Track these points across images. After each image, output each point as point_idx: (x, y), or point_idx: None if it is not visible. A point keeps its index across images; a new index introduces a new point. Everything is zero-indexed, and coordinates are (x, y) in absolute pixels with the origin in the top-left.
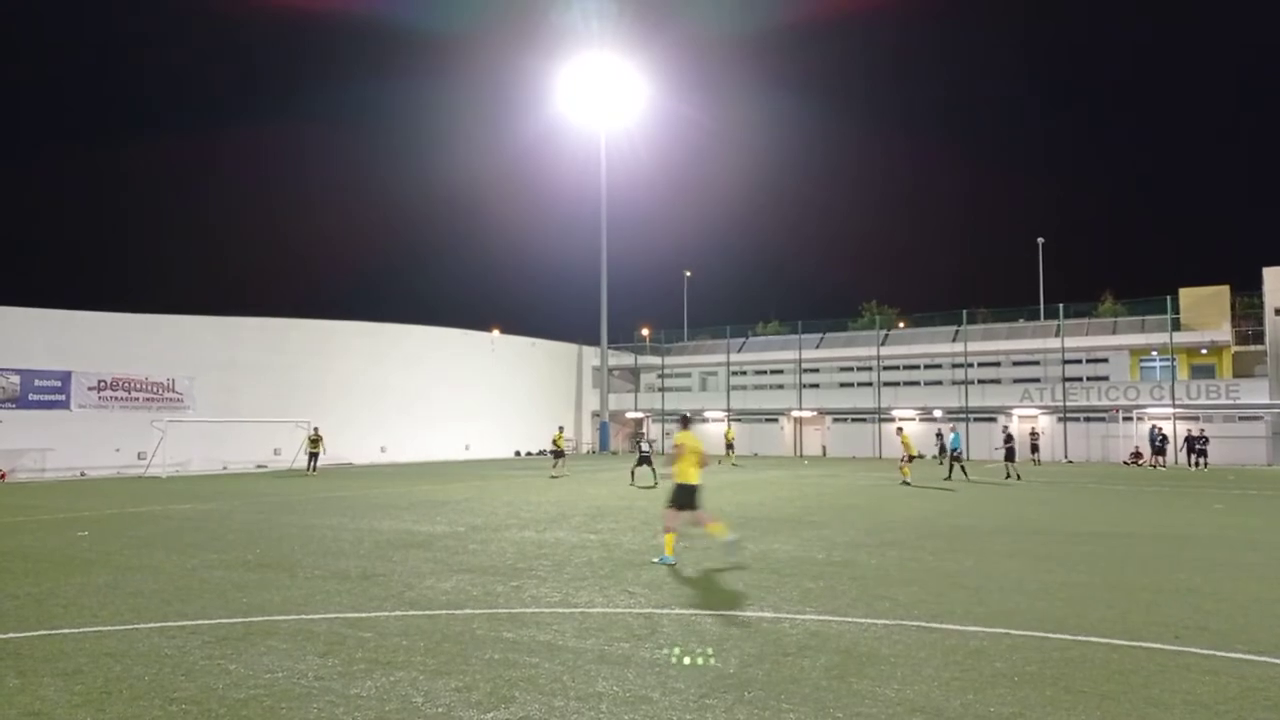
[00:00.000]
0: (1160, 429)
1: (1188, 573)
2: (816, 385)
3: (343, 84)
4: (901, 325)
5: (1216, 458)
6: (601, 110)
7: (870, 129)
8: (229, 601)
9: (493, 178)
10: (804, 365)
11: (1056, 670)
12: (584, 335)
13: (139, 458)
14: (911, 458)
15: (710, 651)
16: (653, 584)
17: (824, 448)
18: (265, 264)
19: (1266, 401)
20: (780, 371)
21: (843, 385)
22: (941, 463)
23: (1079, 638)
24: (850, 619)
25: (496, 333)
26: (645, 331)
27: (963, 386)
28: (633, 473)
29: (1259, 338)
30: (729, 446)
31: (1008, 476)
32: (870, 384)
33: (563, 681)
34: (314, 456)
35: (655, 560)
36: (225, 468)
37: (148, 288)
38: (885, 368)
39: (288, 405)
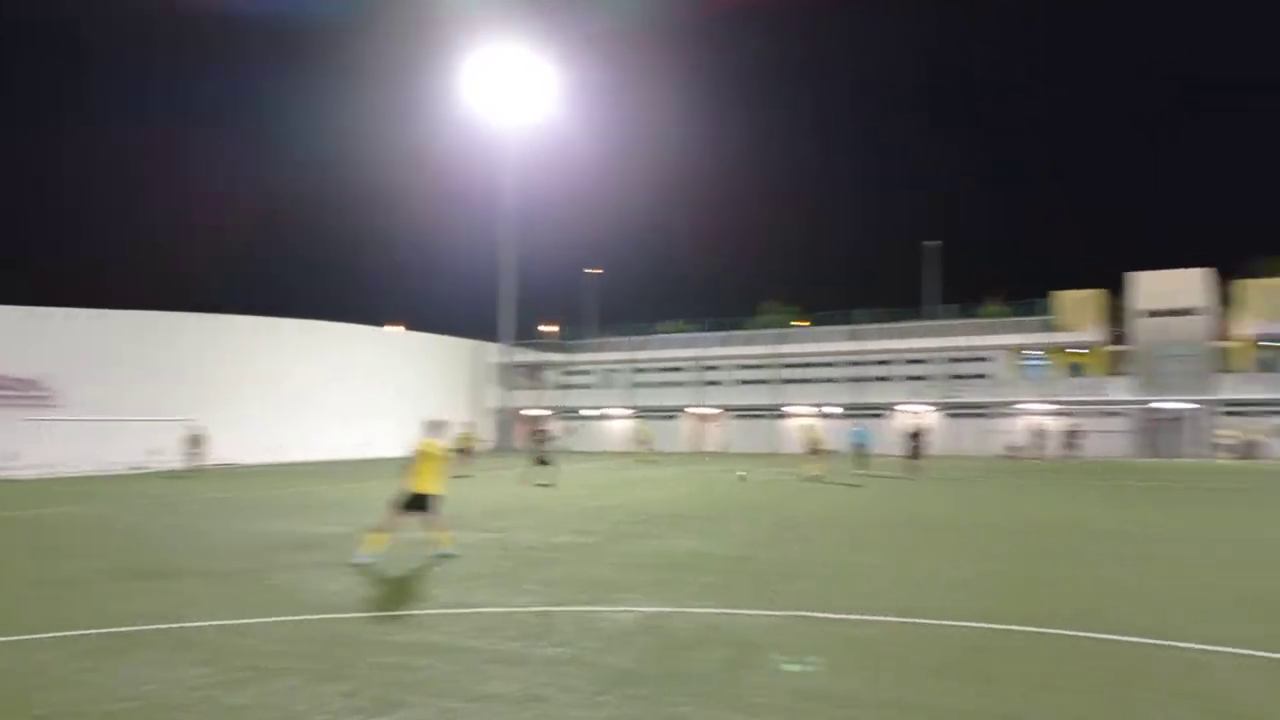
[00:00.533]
0: (1041, 426)
1: (1080, 562)
2: (717, 382)
3: (232, 79)
4: (800, 324)
5: (1088, 450)
6: (507, 103)
7: (774, 127)
8: (100, 610)
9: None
10: (705, 363)
11: (944, 656)
12: (486, 331)
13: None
14: (819, 452)
15: (606, 647)
16: (550, 581)
17: (725, 443)
18: (152, 262)
19: (1130, 398)
20: (681, 369)
21: (743, 382)
22: (854, 459)
23: (978, 625)
24: (746, 612)
25: (395, 328)
26: (549, 328)
27: (857, 384)
28: (534, 472)
29: (1125, 338)
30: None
31: (910, 470)
32: (769, 381)
33: (455, 683)
34: (194, 456)
35: (353, 562)
36: (101, 469)
37: (20, 283)
38: (783, 365)
39: (173, 403)
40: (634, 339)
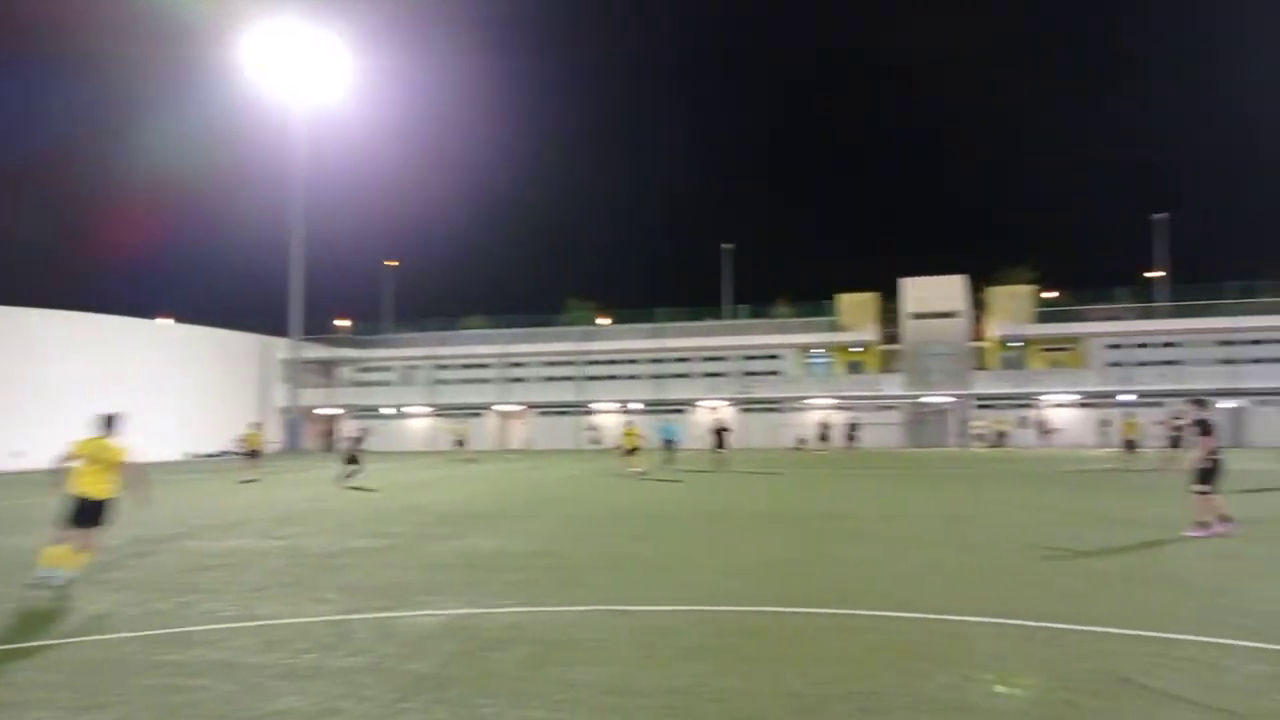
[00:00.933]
0: (826, 420)
1: (846, 544)
2: (521, 379)
3: None
4: (603, 321)
5: (866, 441)
6: (298, 83)
7: (578, 125)
8: None
9: (167, 154)
10: (509, 360)
11: (736, 641)
12: (272, 326)
13: None
14: (635, 450)
15: (407, 653)
16: (345, 588)
17: (529, 441)
18: None
19: (902, 393)
20: (486, 366)
21: (548, 379)
22: (663, 454)
23: (758, 609)
24: (548, 608)
25: (165, 321)
26: (342, 323)
27: (658, 380)
28: (344, 474)
29: (898, 338)
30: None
31: (716, 464)
32: (573, 378)
33: (238, 703)
34: None
35: (36, 581)
36: None
37: None
38: (587, 362)
39: None
40: (436, 335)
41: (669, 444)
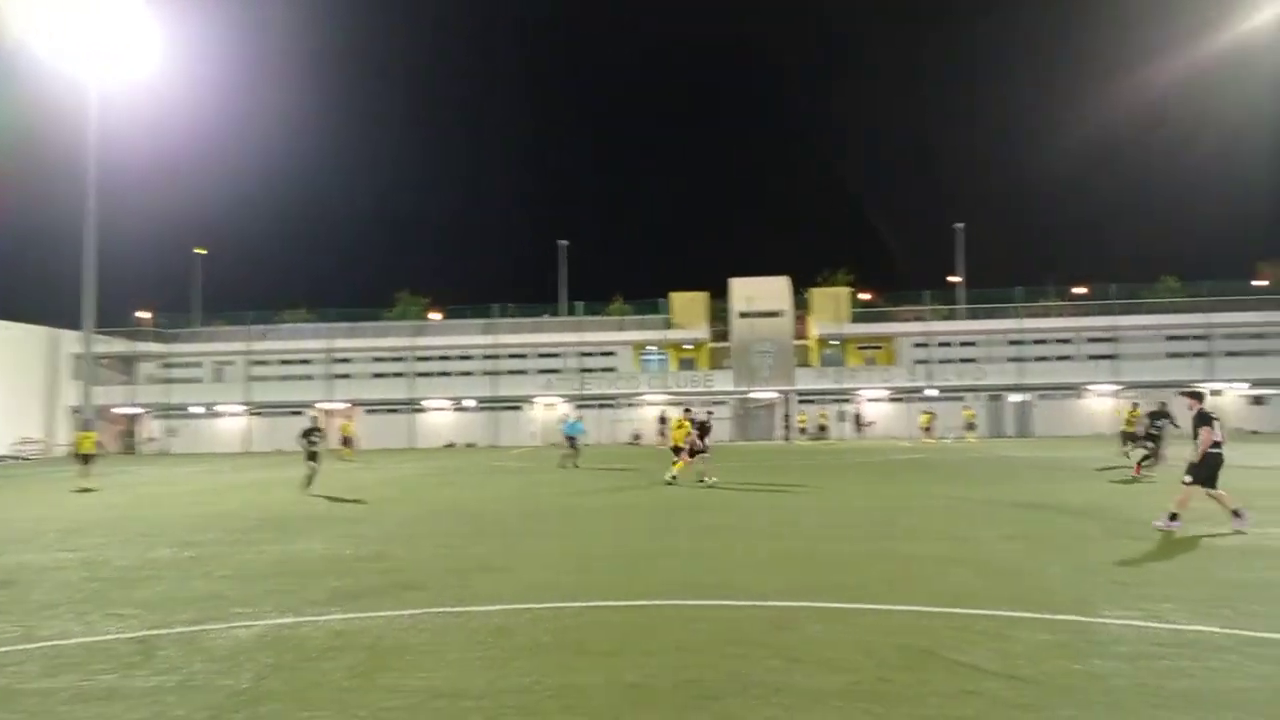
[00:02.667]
0: (663, 415)
1: (678, 537)
2: (348, 376)
3: None
4: (435, 317)
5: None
6: (94, 56)
7: (410, 114)
8: None
9: None
10: (335, 355)
11: (573, 636)
12: (62, 317)
13: None
14: (691, 449)
15: (219, 669)
16: (149, 603)
17: (354, 440)
18: None
19: (732, 389)
20: (309, 361)
21: (376, 375)
22: (568, 451)
23: (596, 603)
24: (377, 614)
25: None
26: (144, 315)
27: (493, 377)
28: (309, 478)
29: (728, 335)
30: (345, 441)
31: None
32: (404, 375)
33: None
34: None
35: None
36: None
37: None
38: (418, 358)
39: None
40: (252, 329)
41: (572, 441)
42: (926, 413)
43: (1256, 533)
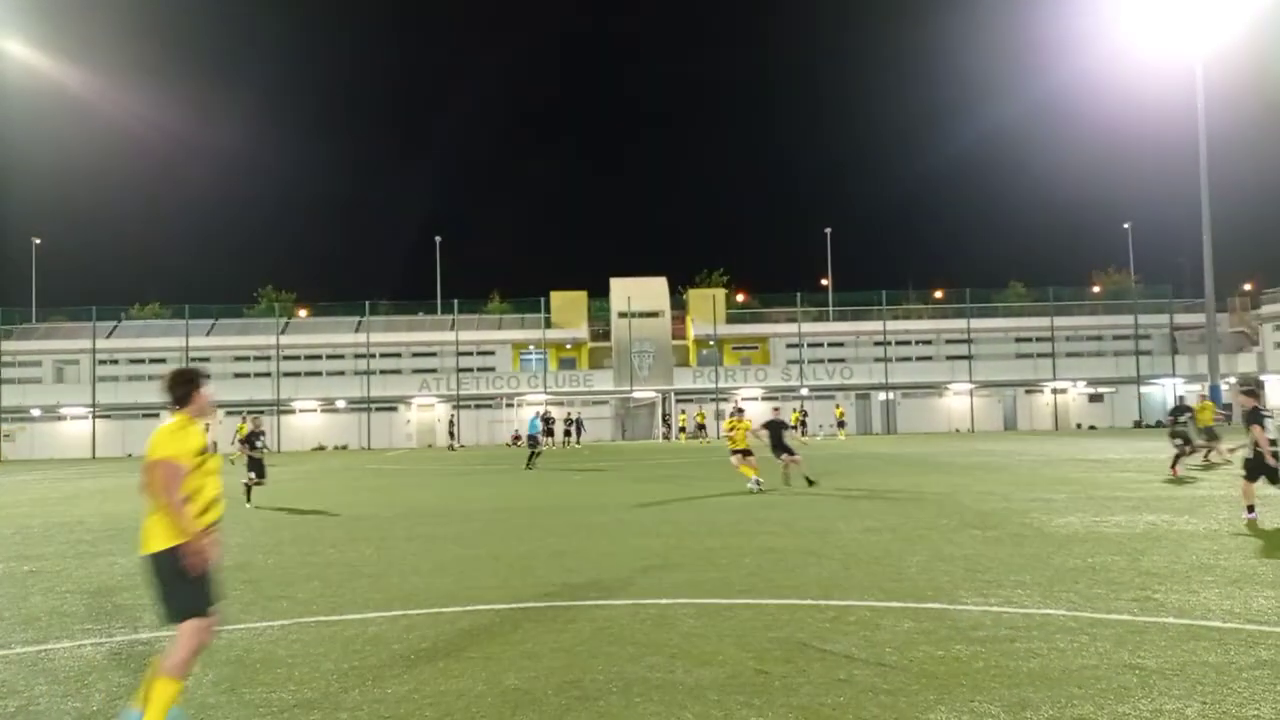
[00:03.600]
0: (549, 414)
1: (556, 537)
2: (207, 375)
3: None
4: (303, 314)
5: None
6: None
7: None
8: None
9: None
10: (193, 354)
11: (449, 642)
12: None
13: None
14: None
15: (65, 691)
16: None
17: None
18: None
19: (612, 389)
20: (163, 360)
21: (237, 376)
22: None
23: (469, 608)
24: (244, 625)
25: None
26: None
27: (365, 377)
28: (249, 489)
29: (608, 336)
30: (239, 442)
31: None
32: (269, 374)
33: None
34: None
35: None
36: None
37: None
38: (285, 357)
39: None
40: (99, 325)
41: (533, 439)
42: (797, 411)
43: (1092, 520)
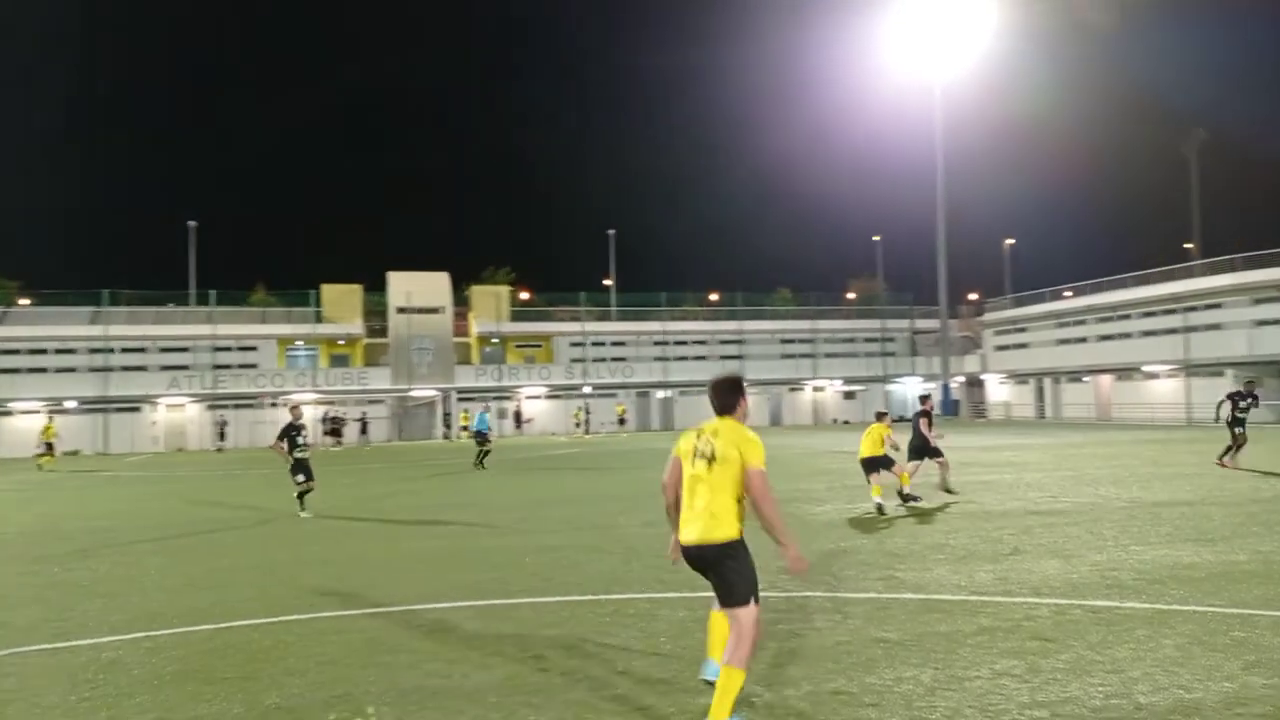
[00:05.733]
0: (331, 414)
1: (324, 544)
2: None
3: None
4: (25, 302)
5: (354, 435)
6: None
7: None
8: None
9: None
10: None
11: (201, 663)
12: None
13: None
14: (49, 446)
15: None
16: None
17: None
18: None
19: (389, 387)
20: None
21: None
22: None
23: (225, 625)
24: None
25: None
26: None
27: (103, 374)
28: (301, 498)
29: (385, 332)
30: (48, 447)
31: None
32: None
33: None
34: None
35: None
36: None
37: None
38: (2, 351)
39: None
40: None
41: (481, 435)
42: (579, 409)
43: (846, 507)
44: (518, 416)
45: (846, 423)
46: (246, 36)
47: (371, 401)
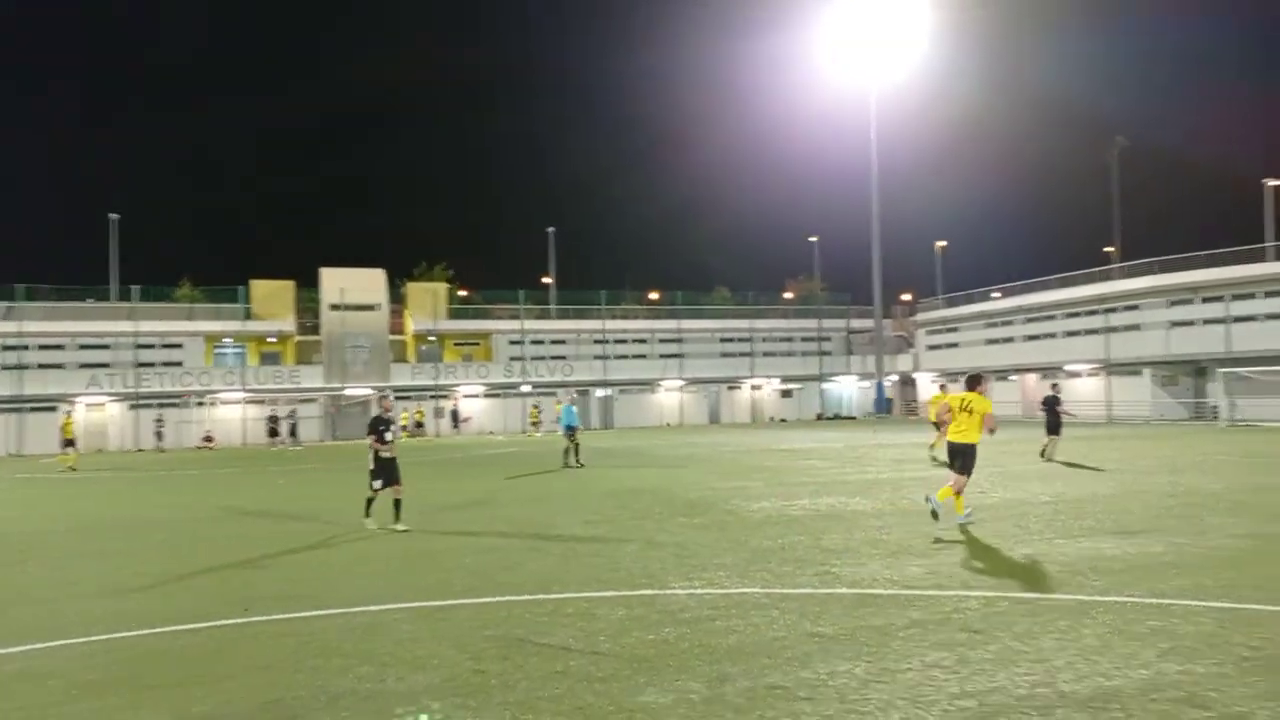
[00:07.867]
0: (276, 414)
1: (257, 545)
2: None
3: None
4: None
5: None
6: None
7: None
8: None
9: None
10: None
11: (126, 671)
12: None
13: None
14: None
15: None
16: None
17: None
18: None
19: (322, 385)
20: None
21: None
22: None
23: (152, 630)
24: None
25: None
26: None
27: (16, 372)
28: (372, 495)
29: (317, 329)
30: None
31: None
32: None
33: None
34: None
35: None
36: None
37: None
38: None
39: None
40: None
41: (570, 430)
42: (535, 407)
43: (782, 504)
44: (455, 416)
45: (783, 420)
46: (182, 29)
47: (303, 400)
